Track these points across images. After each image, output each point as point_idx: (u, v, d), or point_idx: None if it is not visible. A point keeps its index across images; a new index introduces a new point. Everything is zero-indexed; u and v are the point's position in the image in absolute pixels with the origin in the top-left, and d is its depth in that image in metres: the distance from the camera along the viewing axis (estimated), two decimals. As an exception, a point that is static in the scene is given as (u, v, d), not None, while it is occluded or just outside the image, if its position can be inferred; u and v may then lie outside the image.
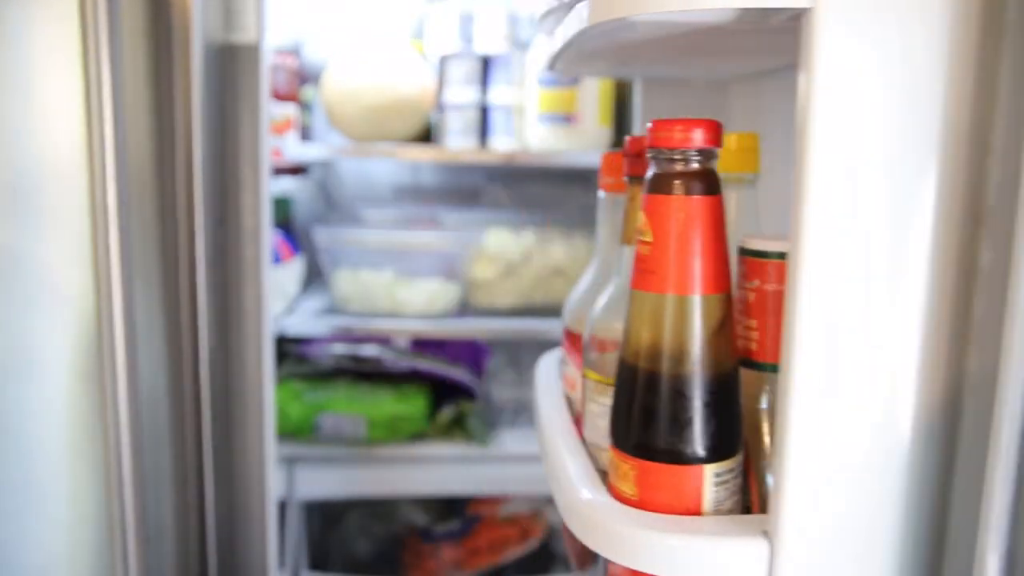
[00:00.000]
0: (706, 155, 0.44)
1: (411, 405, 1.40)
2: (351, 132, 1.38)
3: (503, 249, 1.42)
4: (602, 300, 0.57)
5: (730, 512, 0.45)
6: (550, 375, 0.76)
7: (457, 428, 1.42)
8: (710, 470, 0.44)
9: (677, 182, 0.43)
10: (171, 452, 1.06)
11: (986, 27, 0.38)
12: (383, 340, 1.47)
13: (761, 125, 0.72)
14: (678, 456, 0.44)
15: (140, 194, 0.97)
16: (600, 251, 0.66)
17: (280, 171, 1.45)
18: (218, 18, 1.06)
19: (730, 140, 0.52)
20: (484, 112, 1.43)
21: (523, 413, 1.49)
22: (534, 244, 1.45)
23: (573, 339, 0.66)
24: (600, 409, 0.55)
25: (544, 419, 0.65)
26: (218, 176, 1.09)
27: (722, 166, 0.45)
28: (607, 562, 0.47)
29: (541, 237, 1.47)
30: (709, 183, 0.43)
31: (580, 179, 1.77)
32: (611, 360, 0.51)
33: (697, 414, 0.43)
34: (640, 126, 0.93)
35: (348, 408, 1.39)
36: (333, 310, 1.44)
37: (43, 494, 0.88)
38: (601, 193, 0.66)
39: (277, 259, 1.39)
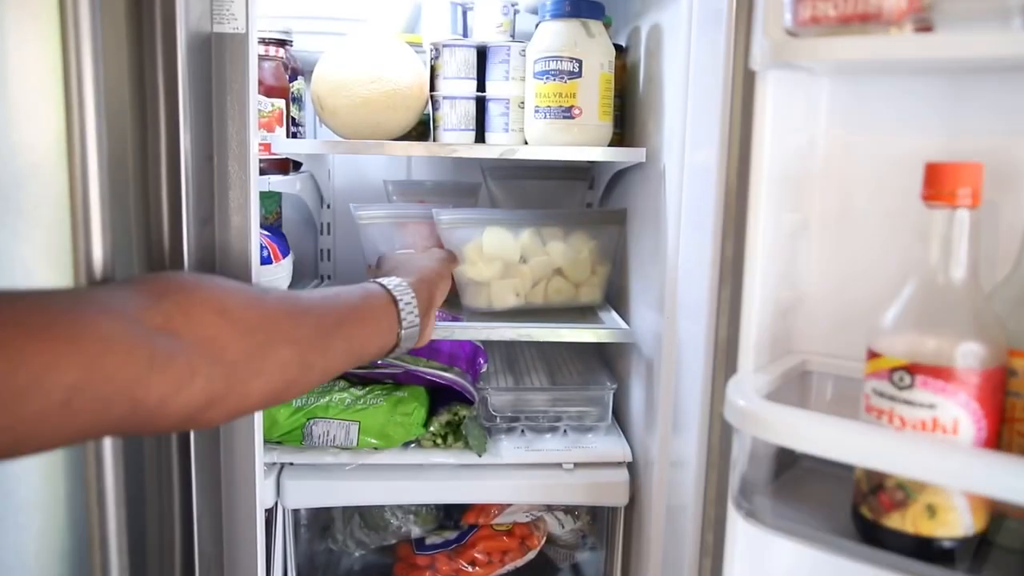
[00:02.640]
0: None
1: (405, 411, 1.35)
2: (342, 126, 1.33)
3: (501, 248, 1.38)
4: None
5: None
6: (801, 413, 0.72)
7: (453, 435, 1.37)
8: None
9: None
10: (154, 458, 1.03)
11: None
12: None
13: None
14: None
15: (123, 191, 0.94)
16: (928, 268, 0.66)
17: (269, 167, 1.41)
18: (204, 7, 1.03)
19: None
20: (481, 105, 1.38)
21: (520, 419, 1.45)
22: (533, 243, 1.41)
23: (940, 373, 0.64)
24: None
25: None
26: (204, 172, 1.05)
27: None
28: None
29: (540, 236, 1.42)
30: None
31: (581, 175, 1.74)
32: None
33: None
34: (828, 120, 0.89)
35: (339, 414, 1.35)
36: (324, 312, 1.40)
37: (18, 502, 0.85)
38: (949, 212, 0.65)
39: (267, 260, 1.36)
